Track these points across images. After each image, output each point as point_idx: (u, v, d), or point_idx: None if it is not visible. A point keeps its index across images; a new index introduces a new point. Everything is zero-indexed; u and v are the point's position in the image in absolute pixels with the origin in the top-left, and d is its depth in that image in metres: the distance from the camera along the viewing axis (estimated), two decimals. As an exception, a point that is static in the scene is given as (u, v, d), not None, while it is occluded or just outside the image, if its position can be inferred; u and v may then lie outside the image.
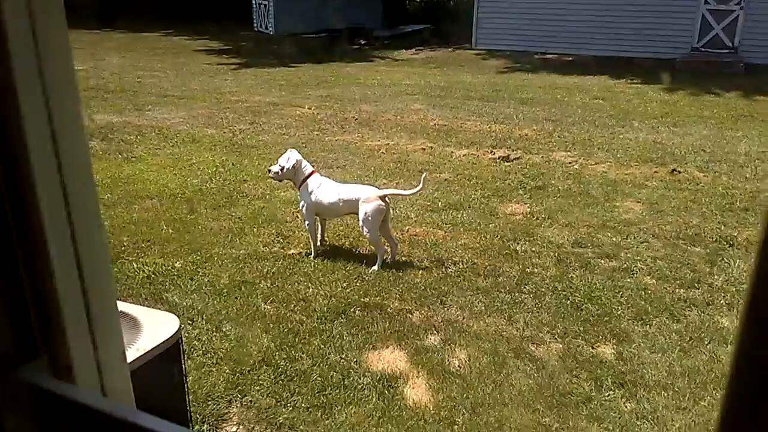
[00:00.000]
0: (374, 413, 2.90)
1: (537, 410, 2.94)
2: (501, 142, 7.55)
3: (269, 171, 4.53)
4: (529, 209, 5.40)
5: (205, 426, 2.81)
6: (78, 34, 16.43)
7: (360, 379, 3.14)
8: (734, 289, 4.05)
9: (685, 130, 8.26)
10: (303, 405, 2.95)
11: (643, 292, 4.01)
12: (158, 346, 2.14)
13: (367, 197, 4.26)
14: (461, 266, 4.33)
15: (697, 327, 3.63)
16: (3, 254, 0.61)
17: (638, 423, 2.87)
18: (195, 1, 22.36)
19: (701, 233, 4.92)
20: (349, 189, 4.42)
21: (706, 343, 3.48)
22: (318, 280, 4.14)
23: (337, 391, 3.04)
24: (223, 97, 10.25)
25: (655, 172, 6.45)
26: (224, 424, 2.84)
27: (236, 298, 3.89)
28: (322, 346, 3.41)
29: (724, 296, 3.98)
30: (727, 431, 0.41)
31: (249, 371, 3.17)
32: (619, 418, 2.90)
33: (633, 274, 4.27)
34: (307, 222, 4.44)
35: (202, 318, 3.64)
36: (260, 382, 3.10)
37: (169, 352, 2.21)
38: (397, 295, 3.95)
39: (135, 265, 4.26)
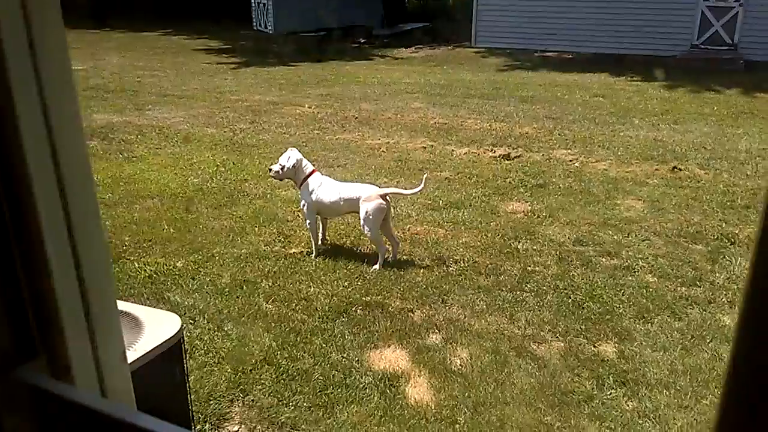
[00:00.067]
0: (376, 412, 2.90)
1: (538, 409, 2.94)
2: (501, 140, 7.54)
3: (270, 170, 4.53)
4: (530, 207, 5.40)
5: (207, 425, 2.81)
6: (78, 34, 16.45)
7: (361, 378, 3.14)
8: (736, 287, 4.05)
9: (686, 127, 8.25)
10: (305, 404, 2.95)
11: (644, 291, 4.01)
12: (160, 345, 2.14)
13: (368, 196, 4.26)
14: (462, 265, 4.33)
15: (699, 325, 3.63)
16: (0, 254, 0.60)
17: (640, 422, 2.87)
18: (194, 0, 22.36)
19: (702, 231, 4.91)
20: (350, 188, 4.42)
21: (707, 341, 3.47)
22: (319, 279, 4.14)
23: (339, 390, 3.04)
24: (223, 96, 10.25)
25: (656, 169, 6.44)
26: (226, 424, 2.84)
27: (238, 297, 3.90)
28: (324, 345, 3.41)
29: (725, 294, 3.98)
30: (726, 431, 0.40)
31: (251, 370, 3.17)
32: (621, 416, 2.90)
33: (634, 272, 4.26)
34: (308, 221, 4.43)
35: (204, 317, 3.65)
36: (262, 381, 3.10)
37: (171, 352, 2.21)
38: (399, 294, 3.95)
39: (136, 265, 4.26)
